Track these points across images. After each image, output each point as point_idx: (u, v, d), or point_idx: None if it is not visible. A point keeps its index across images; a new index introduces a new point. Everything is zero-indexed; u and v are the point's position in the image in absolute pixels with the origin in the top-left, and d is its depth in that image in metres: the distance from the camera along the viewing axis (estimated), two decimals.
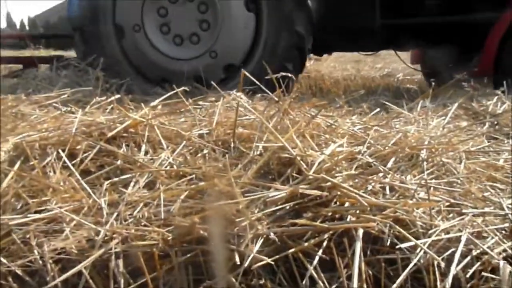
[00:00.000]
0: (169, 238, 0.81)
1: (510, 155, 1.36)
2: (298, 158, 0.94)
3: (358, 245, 0.74)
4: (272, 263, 0.74)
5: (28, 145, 1.10)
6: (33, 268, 0.83)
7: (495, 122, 1.71)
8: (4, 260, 0.80)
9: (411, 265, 0.76)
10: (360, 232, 0.77)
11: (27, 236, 0.86)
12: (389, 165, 1.04)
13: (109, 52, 2.68)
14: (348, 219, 0.82)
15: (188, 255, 0.81)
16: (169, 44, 2.75)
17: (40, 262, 0.83)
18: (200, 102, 1.55)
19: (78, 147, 1.17)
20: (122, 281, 0.77)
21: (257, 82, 1.40)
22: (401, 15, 3.00)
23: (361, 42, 3.13)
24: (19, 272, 0.81)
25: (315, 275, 0.76)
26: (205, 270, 0.82)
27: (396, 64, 5.23)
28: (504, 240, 0.87)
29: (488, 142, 1.50)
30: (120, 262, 0.78)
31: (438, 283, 0.78)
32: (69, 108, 1.45)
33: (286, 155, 0.98)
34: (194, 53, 2.73)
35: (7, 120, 1.23)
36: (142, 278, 0.78)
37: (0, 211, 0.89)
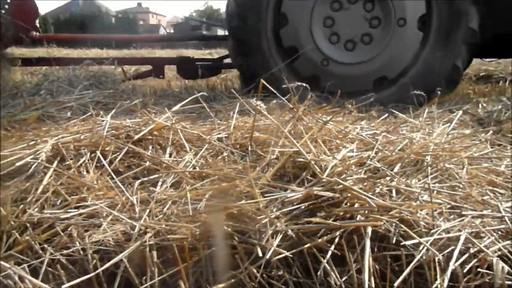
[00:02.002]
0: (196, 233, 0.91)
1: (511, 161, 1.43)
2: (312, 162, 1.03)
3: (368, 242, 0.83)
4: (291, 256, 0.83)
5: (64, 146, 1.20)
6: (74, 258, 0.93)
7: (499, 129, 1.78)
8: (50, 250, 0.90)
9: (415, 261, 0.84)
10: (369, 230, 0.85)
11: (69, 229, 0.97)
12: (396, 169, 1.13)
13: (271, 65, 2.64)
14: (357, 219, 0.91)
15: (213, 249, 0.91)
16: (332, 46, 2.69)
17: (81, 252, 0.92)
18: (217, 106, 1.64)
19: (107, 148, 1.27)
20: (156, 270, 0.86)
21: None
22: None
23: None
24: (63, 260, 0.91)
25: (328, 268, 0.85)
26: (228, 262, 0.91)
27: None
28: (500, 240, 0.95)
29: (492, 148, 1.57)
30: (154, 253, 0.88)
31: (438, 277, 0.86)
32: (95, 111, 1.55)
33: (301, 159, 1.07)
34: (354, 59, 2.69)
35: (41, 122, 1.33)
36: (173, 269, 0.88)
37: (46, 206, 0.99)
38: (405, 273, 0.86)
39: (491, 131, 1.81)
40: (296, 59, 2.64)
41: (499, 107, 2.24)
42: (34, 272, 0.87)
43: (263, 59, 2.65)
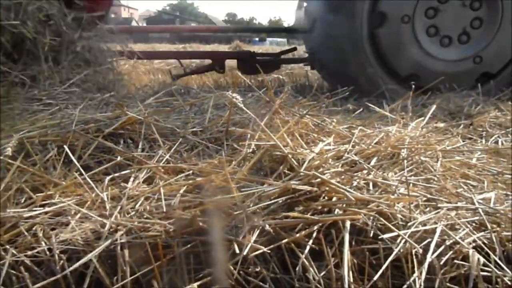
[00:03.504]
0: (170, 230, 0.87)
1: (482, 154, 1.46)
2: (289, 155, 1.01)
3: (347, 236, 0.82)
4: (269, 251, 0.81)
5: (29, 141, 1.13)
6: (40, 259, 0.88)
7: (470, 123, 1.82)
8: (13, 251, 0.85)
9: (394, 253, 0.84)
10: (348, 224, 0.84)
11: (33, 228, 0.91)
12: (372, 163, 1.12)
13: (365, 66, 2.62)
14: (336, 212, 0.90)
15: (189, 246, 0.88)
16: (434, 44, 2.69)
17: (48, 253, 0.87)
18: (191, 100, 1.60)
19: (76, 143, 1.21)
20: (128, 270, 0.83)
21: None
22: None
23: None
24: (27, 262, 0.86)
25: (306, 263, 0.83)
26: (205, 260, 0.89)
27: None
28: (474, 232, 0.96)
29: (463, 141, 1.60)
30: (126, 252, 0.84)
31: (416, 269, 0.86)
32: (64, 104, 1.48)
33: (278, 153, 1.04)
34: (457, 56, 2.69)
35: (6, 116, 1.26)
36: (146, 267, 0.84)
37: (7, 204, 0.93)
38: (383, 267, 0.86)
39: (462, 125, 1.85)
40: (394, 58, 2.61)
41: (469, 101, 2.29)
42: None
43: (357, 59, 2.62)
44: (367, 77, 2.63)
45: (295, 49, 3.80)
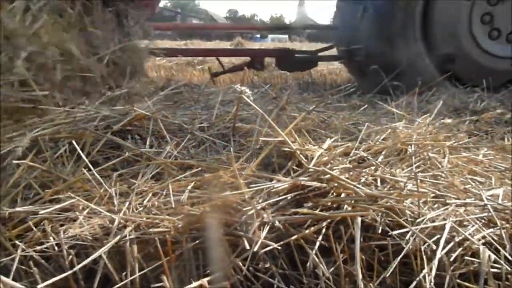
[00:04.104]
0: (179, 226, 0.87)
1: (488, 150, 1.46)
2: (298, 152, 1.01)
3: (358, 233, 0.81)
4: (279, 248, 0.81)
5: (42, 138, 1.13)
6: (49, 254, 0.88)
7: (477, 119, 1.81)
8: (22, 246, 0.85)
9: (404, 250, 0.84)
10: (359, 220, 0.84)
11: (42, 223, 0.91)
12: (380, 159, 1.12)
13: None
14: (345, 209, 0.89)
15: (197, 242, 0.87)
16: (484, 33, 2.70)
17: (56, 248, 0.87)
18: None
19: (86, 139, 1.21)
20: (136, 266, 0.82)
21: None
22: None
23: None
24: (36, 257, 0.86)
25: (316, 259, 0.83)
26: (210, 256, 0.88)
27: None
28: (484, 228, 0.96)
29: (469, 138, 1.60)
30: (135, 248, 0.84)
31: (426, 266, 0.86)
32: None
33: (286, 149, 1.04)
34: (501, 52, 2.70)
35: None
36: (155, 263, 0.84)
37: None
38: (395, 265, 0.85)
39: (468, 121, 1.84)
40: (454, 64, 2.64)
41: (474, 98, 2.29)
42: (5, 270, 0.81)
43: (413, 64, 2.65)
44: (420, 72, 2.63)
45: (332, 47, 3.78)
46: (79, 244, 0.87)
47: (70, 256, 0.84)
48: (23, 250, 0.84)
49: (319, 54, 3.65)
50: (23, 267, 0.83)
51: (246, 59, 3.42)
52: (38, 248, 0.85)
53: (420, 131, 1.33)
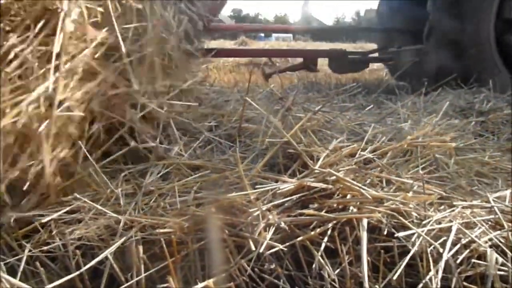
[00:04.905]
0: (185, 227, 0.87)
1: (494, 152, 1.45)
2: (303, 153, 1.00)
3: (365, 235, 0.81)
4: (285, 249, 0.81)
5: None
6: (55, 254, 0.88)
7: (483, 120, 1.80)
8: (29, 246, 0.85)
9: (411, 252, 0.83)
10: (365, 222, 0.84)
11: (48, 224, 0.91)
12: (386, 160, 1.11)
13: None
14: (351, 210, 0.89)
15: (202, 242, 0.87)
16: None
17: (62, 248, 0.88)
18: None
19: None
20: (142, 266, 0.82)
21: None
22: None
23: None
24: (43, 258, 0.86)
25: (322, 261, 0.83)
26: (213, 257, 0.88)
27: None
28: (490, 230, 0.95)
29: (475, 139, 1.59)
30: (140, 248, 0.84)
31: (432, 268, 0.85)
32: None
33: (292, 150, 1.04)
34: None
35: None
36: (160, 264, 0.84)
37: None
38: (401, 267, 0.85)
39: (474, 122, 1.83)
40: None
41: (481, 98, 2.27)
42: (12, 271, 0.81)
43: (484, 65, 2.64)
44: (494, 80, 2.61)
45: (384, 48, 3.77)
46: (85, 244, 0.88)
47: (76, 257, 0.84)
48: (29, 250, 0.84)
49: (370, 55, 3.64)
50: (30, 268, 0.84)
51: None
52: (44, 248, 0.85)
53: (426, 131, 1.32)
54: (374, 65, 5.35)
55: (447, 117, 1.76)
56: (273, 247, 0.80)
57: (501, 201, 1.07)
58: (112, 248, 0.81)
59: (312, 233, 0.86)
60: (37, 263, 0.84)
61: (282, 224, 0.83)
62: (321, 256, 0.85)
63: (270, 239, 0.85)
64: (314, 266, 0.82)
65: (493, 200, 1.06)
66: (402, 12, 3.44)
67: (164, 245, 0.80)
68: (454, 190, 1.10)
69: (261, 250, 0.78)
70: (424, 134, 1.29)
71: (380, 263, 0.89)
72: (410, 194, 0.95)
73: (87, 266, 0.79)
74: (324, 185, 0.91)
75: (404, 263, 0.83)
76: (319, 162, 0.95)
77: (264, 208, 0.86)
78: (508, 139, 1.69)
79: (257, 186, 0.92)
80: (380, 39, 3.89)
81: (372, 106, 1.90)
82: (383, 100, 1.93)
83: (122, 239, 0.83)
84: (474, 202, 1.05)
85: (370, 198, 0.86)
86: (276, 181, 0.95)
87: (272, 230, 0.83)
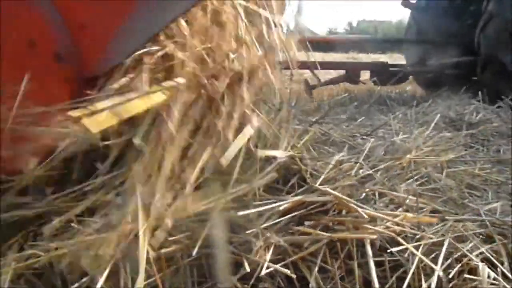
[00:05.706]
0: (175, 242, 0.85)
1: (484, 163, 1.46)
2: (303, 167, 1.00)
3: (369, 252, 0.84)
4: (287, 271, 0.80)
5: None
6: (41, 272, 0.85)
7: (473, 132, 1.82)
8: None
9: (411, 268, 0.83)
10: (368, 243, 0.84)
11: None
12: (380, 174, 1.12)
13: None
14: (347, 226, 0.89)
15: (192, 258, 0.86)
16: None
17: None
18: None
19: None
20: (130, 282, 0.80)
21: None
22: None
23: None
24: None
25: (314, 284, 0.82)
26: (208, 273, 0.87)
27: None
28: (482, 244, 0.95)
29: (466, 150, 1.60)
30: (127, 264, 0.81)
31: (423, 283, 0.85)
32: None
33: (291, 165, 1.03)
34: None
35: None
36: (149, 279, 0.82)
37: None
38: (391, 281, 0.84)
39: (464, 134, 1.85)
40: None
41: (470, 109, 2.29)
42: None
43: None
44: None
45: (424, 61, 3.80)
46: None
47: (63, 274, 0.82)
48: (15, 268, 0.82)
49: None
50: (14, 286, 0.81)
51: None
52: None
53: (418, 144, 1.33)
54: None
55: (437, 130, 1.78)
56: (269, 267, 0.79)
57: (492, 214, 1.08)
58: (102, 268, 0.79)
59: (306, 251, 0.85)
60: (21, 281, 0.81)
61: (281, 242, 0.82)
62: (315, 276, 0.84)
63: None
64: (310, 284, 0.81)
65: (484, 213, 1.07)
66: (438, 25, 3.47)
67: (153, 261, 0.78)
68: (445, 203, 1.11)
69: (262, 273, 0.77)
70: (417, 148, 1.30)
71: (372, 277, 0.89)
72: (411, 214, 0.95)
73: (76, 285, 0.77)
74: (322, 199, 0.91)
75: (395, 277, 0.83)
76: (319, 180, 0.95)
77: (262, 226, 0.85)
78: (497, 150, 1.71)
79: (255, 203, 0.91)
80: (412, 52, 3.89)
81: (363, 118, 1.91)
82: (373, 111, 1.94)
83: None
84: (466, 216, 1.05)
85: (367, 218, 0.86)
86: (275, 198, 0.94)
87: (271, 250, 0.82)
